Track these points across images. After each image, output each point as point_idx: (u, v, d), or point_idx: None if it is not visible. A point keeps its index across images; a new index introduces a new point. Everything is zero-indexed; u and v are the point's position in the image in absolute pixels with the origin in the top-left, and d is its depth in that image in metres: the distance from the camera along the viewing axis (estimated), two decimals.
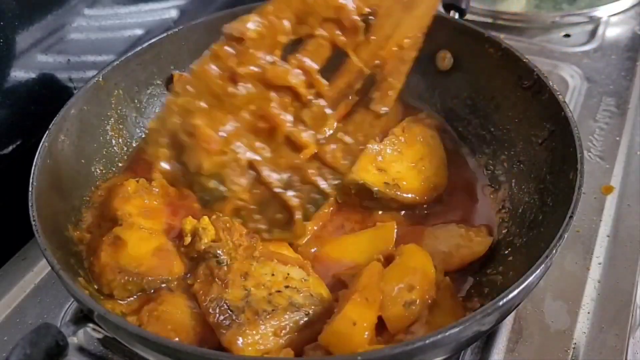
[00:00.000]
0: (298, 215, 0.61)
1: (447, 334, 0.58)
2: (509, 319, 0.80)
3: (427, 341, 0.57)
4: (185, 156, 0.60)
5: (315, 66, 0.59)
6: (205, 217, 0.80)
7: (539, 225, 0.79)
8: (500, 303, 0.61)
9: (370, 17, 0.60)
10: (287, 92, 0.59)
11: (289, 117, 0.59)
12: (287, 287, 0.75)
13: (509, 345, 0.78)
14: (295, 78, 0.58)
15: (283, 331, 0.71)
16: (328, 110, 0.60)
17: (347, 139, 0.61)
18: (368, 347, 0.68)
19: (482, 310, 0.60)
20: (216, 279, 0.74)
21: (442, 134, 0.99)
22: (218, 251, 0.76)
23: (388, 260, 0.81)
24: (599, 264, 0.87)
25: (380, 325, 0.73)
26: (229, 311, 0.71)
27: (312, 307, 0.74)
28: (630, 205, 0.95)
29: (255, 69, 0.58)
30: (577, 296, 0.83)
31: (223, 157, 0.59)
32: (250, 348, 0.69)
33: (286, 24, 0.58)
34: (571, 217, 0.68)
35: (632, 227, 0.92)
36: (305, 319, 0.73)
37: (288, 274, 0.76)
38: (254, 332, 0.70)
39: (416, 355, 0.59)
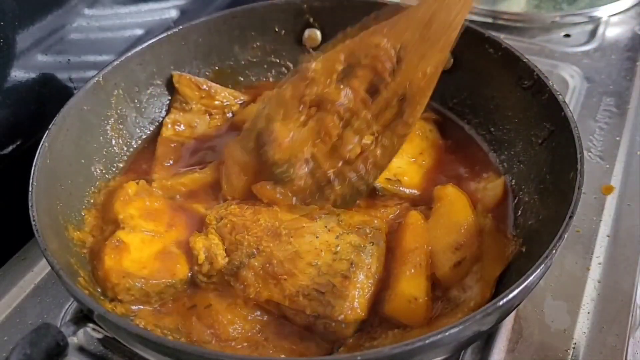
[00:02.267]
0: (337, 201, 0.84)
1: (447, 334, 0.58)
2: (509, 319, 0.80)
3: (427, 341, 0.57)
4: (264, 149, 0.83)
5: (361, 86, 0.82)
6: (212, 233, 0.81)
7: (539, 226, 0.79)
8: (500, 303, 0.61)
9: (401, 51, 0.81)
10: (337, 109, 0.82)
11: (340, 126, 0.82)
12: (337, 237, 0.77)
13: (509, 345, 0.78)
14: (344, 94, 0.82)
15: (375, 275, 0.75)
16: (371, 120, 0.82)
17: (379, 151, 0.82)
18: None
19: (482, 310, 0.60)
20: (269, 278, 0.75)
21: (441, 129, 1.00)
22: (243, 259, 0.77)
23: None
24: (599, 264, 0.87)
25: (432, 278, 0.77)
26: (319, 292, 0.72)
27: (371, 241, 0.76)
28: (630, 205, 0.95)
29: (316, 92, 0.82)
30: (577, 296, 0.83)
31: (290, 151, 0.82)
32: (363, 303, 0.72)
33: (341, 56, 0.83)
34: (571, 217, 0.68)
35: (632, 227, 0.92)
36: (375, 254, 0.76)
37: (325, 226, 0.78)
38: (356, 291, 0.72)
39: (416, 355, 0.59)
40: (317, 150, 0.82)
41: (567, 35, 1.32)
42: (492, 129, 0.97)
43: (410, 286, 0.74)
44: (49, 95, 0.99)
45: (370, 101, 0.81)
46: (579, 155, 0.75)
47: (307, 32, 1.08)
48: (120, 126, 0.97)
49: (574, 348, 0.78)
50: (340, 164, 0.82)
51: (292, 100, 0.83)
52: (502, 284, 0.76)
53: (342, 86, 0.82)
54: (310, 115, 0.83)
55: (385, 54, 0.80)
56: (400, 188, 0.89)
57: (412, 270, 0.75)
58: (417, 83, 0.79)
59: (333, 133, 0.81)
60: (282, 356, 0.72)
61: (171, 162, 0.96)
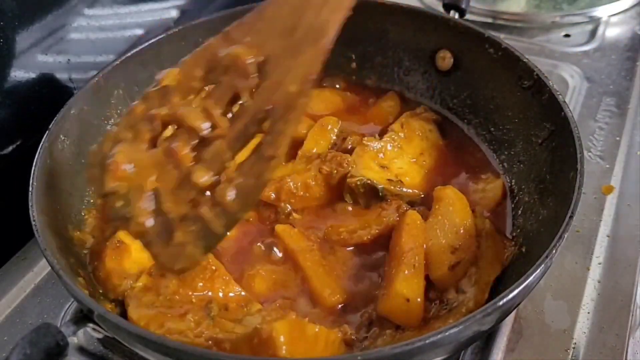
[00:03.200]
0: (189, 249, 0.65)
1: (447, 334, 0.58)
2: (509, 319, 0.80)
3: (427, 341, 0.57)
4: (104, 176, 0.68)
5: (216, 109, 0.66)
6: None
7: (539, 226, 0.79)
8: (500, 303, 0.61)
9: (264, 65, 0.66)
10: (193, 133, 0.66)
11: (192, 155, 0.66)
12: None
13: (509, 345, 0.78)
14: (197, 119, 0.66)
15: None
16: (226, 150, 0.66)
17: (240, 181, 0.64)
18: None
19: (482, 310, 0.60)
20: None
21: (441, 129, 1.00)
22: None
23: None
24: (599, 264, 0.87)
25: (428, 279, 0.77)
26: None
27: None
28: (630, 205, 0.95)
29: (167, 111, 0.67)
30: (577, 296, 0.83)
31: (127, 182, 0.67)
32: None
33: (199, 72, 0.68)
34: (571, 217, 0.68)
35: (632, 227, 0.92)
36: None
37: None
38: None
39: (416, 355, 0.59)
40: (162, 185, 0.66)
41: (567, 35, 1.32)
42: (492, 129, 0.97)
43: (405, 286, 0.74)
44: (49, 95, 0.99)
45: (225, 128, 0.65)
46: (579, 155, 0.75)
47: None
48: None
49: (574, 348, 0.78)
50: (187, 206, 0.65)
51: (143, 118, 0.68)
52: (501, 285, 0.76)
53: (196, 106, 0.67)
54: (159, 138, 0.67)
55: (244, 70, 0.65)
56: (403, 189, 0.88)
57: (409, 271, 0.75)
58: (280, 106, 0.64)
59: (183, 165, 0.65)
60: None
61: None
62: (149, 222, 0.66)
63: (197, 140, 0.66)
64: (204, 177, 0.64)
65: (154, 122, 0.67)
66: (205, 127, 0.65)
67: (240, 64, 0.65)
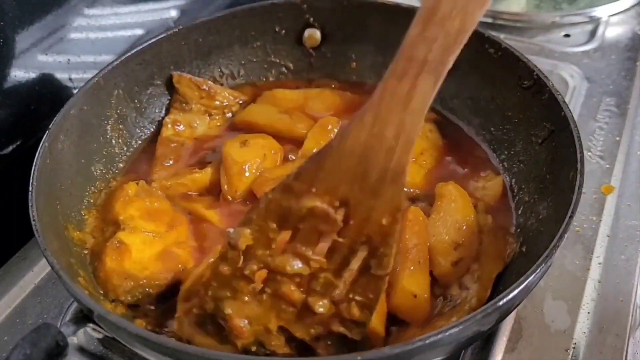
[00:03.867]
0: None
1: (447, 333, 0.58)
2: (509, 319, 0.80)
3: (427, 341, 0.57)
4: (230, 336, 0.69)
5: (307, 251, 0.66)
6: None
7: (539, 225, 0.79)
8: (500, 303, 0.61)
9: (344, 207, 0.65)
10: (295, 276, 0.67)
11: (301, 290, 0.67)
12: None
13: (509, 345, 0.78)
14: (292, 265, 0.66)
15: None
16: (333, 279, 0.66)
17: (359, 298, 0.66)
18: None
19: (482, 310, 0.60)
20: None
21: (441, 129, 1.00)
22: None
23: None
24: (599, 264, 0.87)
25: (431, 275, 0.77)
26: None
27: None
28: (630, 205, 0.95)
29: (258, 266, 0.67)
30: (577, 296, 0.83)
31: (253, 334, 0.68)
32: None
33: (272, 225, 0.66)
34: (571, 217, 0.68)
35: (631, 227, 0.92)
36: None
37: None
38: None
39: (416, 355, 0.59)
40: (284, 321, 0.68)
41: (567, 35, 1.32)
42: (492, 129, 0.97)
43: (412, 282, 0.74)
44: (49, 95, 0.99)
45: (324, 264, 0.66)
46: (579, 155, 0.75)
47: (307, 32, 1.08)
48: (120, 126, 0.97)
49: (574, 348, 0.78)
50: (316, 328, 0.67)
51: (234, 276, 0.68)
52: (501, 284, 0.76)
53: (286, 255, 0.67)
54: (261, 285, 0.68)
55: (325, 217, 0.65)
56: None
57: (414, 267, 0.75)
58: (376, 236, 0.64)
59: (295, 301, 0.67)
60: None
61: (171, 162, 0.96)
62: (288, 349, 0.68)
63: (299, 279, 0.67)
64: (322, 307, 0.66)
65: (247, 277, 0.68)
66: (304, 268, 0.66)
67: (320, 214, 0.65)
